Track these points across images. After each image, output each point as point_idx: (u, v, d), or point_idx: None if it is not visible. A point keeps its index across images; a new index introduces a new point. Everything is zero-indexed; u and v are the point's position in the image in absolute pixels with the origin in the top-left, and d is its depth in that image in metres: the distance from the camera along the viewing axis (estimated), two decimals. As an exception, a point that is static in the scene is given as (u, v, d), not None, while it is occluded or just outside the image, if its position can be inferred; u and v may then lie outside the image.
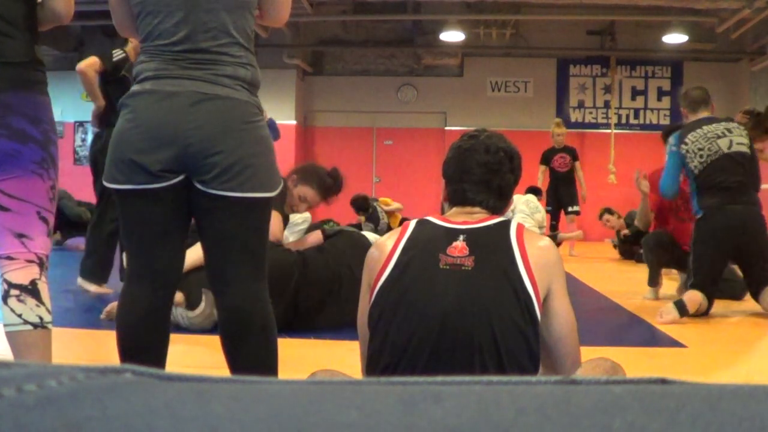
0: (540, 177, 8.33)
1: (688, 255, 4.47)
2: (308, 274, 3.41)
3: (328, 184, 3.64)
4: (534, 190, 7.88)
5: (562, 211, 8.34)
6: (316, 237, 3.76)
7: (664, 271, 4.89)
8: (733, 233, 3.95)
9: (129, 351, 1.78)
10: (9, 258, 1.84)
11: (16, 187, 1.83)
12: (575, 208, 8.27)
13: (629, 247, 7.67)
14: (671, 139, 4.24)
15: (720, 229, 3.96)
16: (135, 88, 1.76)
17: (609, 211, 8.24)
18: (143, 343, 1.79)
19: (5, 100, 1.79)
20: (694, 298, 3.87)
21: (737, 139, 4.05)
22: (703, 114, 4.21)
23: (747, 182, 4.02)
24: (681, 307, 3.80)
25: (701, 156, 4.03)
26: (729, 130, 4.08)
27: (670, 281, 4.85)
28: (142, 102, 1.72)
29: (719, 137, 4.04)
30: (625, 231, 7.83)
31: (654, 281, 4.76)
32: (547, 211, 8.25)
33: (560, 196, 8.26)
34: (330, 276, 3.46)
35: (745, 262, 4.05)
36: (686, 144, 4.09)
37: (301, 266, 3.42)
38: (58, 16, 1.95)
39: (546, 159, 8.38)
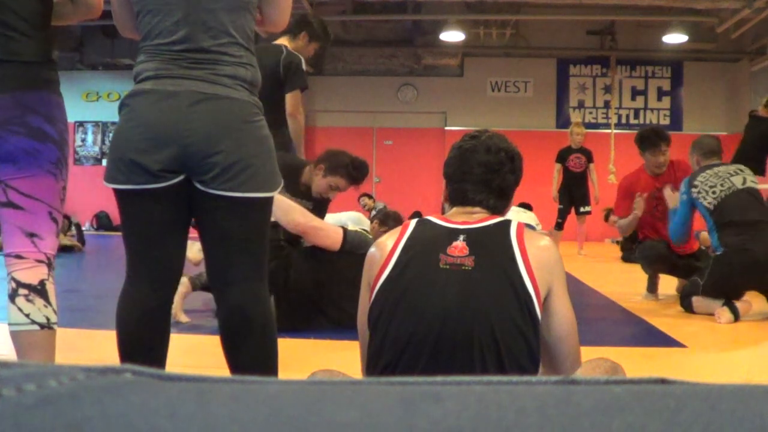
0: (555, 175, 8.35)
1: (680, 258, 4.48)
2: (289, 275, 3.41)
3: (355, 176, 3.80)
4: (524, 207, 7.87)
5: (572, 211, 8.36)
6: (335, 239, 3.51)
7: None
8: (753, 275, 3.88)
9: (129, 351, 1.78)
10: (18, 257, 1.84)
11: (31, 186, 1.83)
12: (587, 209, 8.33)
13: (631, 246, 7.68)
14: (682, 187, 4.19)
15: (739, 271, 3.90)
16: (135, 88, 1.76)
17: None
18: (143, 343, 1.78)
19: (22, 100, 1.78)
20: (746, 306, 3.89)
21: (750, 177, 4.08)
22: (715, 160, 4.25)
23: (765, 219, 3.95)
24: (734, 311, 3.82)
25: (714, 192, 4.02)
26: (741, 170, 4.12)
27: (672, 280, 4.85)
28: (142, 102, 1.72)
29: (732, 175, 4.07)
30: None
31: (653, 288, 4.79)
32: (559, 209, 8.29)
33: (573, 196, 8.30)
34: (312, 281, 3.45)
35: (763, 291, 4.00)
36: (696, 186, 4.08)
37: (283, 267, 3.41)
38: (92, 8, 1.95)
39: (561, 158, 8.40)
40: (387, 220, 4.36)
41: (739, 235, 3.90)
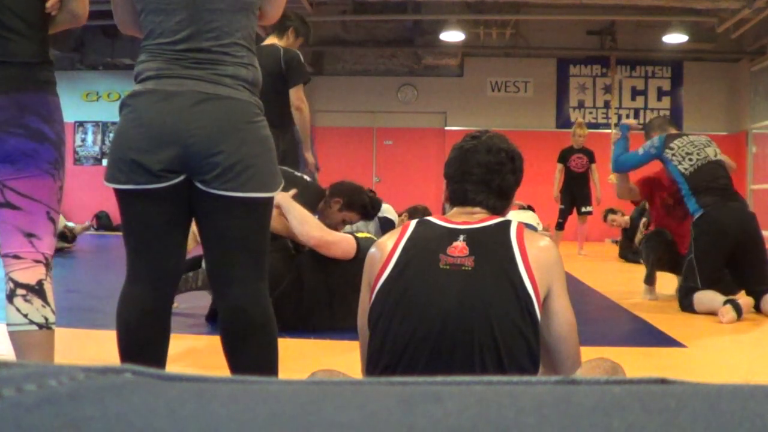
0: (557, 175, 8.35)
1: (683, 258, 4.50)
2: (304, 281, 3.41)
3: (371, 214, 3.91)
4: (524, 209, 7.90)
5: (574, 211, 8.36)
6: (347, 250, 3.40)
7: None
8: (733, 231, 4.07)
9: (129, 351, 1.78)
10: (16, 257, 1.84)
11: (29, 187, 1.83)
12: (588, 209, 8.34)
13: (630, 244, 7.69)
14: (655, 141, 4.50)
15: (722, 226, 4.08)
16: (136, 87, 1.76)
17: (613, 211, 8.29)
18: (143, 343, 1.78)
19: (21, 100, 1.79)
20: (748, 302, 3.94)
21: (718, 150, 4.44)
22: (673, 131, 4.63)
23: (732, 186, 4.31)
24: (737, 308, 3.84)
25: (691, 159, 4.30)
26: (710, 142, 4.46)
27: (671, 281, 4.84)
28: (144, 101, 1.72)
29: (706, 146, 4.38)
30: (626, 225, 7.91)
31: (651, 279, 4.81)
32: (560, 210, 8.29)
33: (574, 196, 8.30)
34: (326, 286, 3.43)
35: (741, 263, 4.12)
36: (671, 149, 4.37)
37: (298, 275, 3.40)
38: (77, 17, 1.96)
39: (563, 158, 8.39)
40: (416, 214, 4.51)
41: (714, 195, 4.19)
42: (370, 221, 3.98)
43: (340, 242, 3.39)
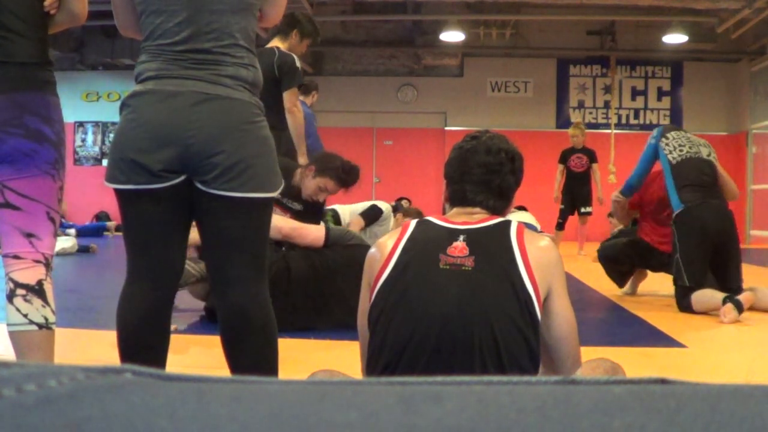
0: (558, 176, 8.34)
1: (665, 256, 4.52)
2: (290, 274, 3.42)
3: (344, 179, 3.85)
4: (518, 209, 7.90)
5: (575, 212, 8.36)
6: (317, 236, 3.63)
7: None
8: (713, 228, 4.13)
9: (129, 351, 1.78)
10: (16, 257, 1.84)
11: (29, 187, 1.83)
12: (588, 209, 8.31)
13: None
14: (654, 131, 4.57)
15: (703, 223, 4.13)
16: (136, 88, 1.76)
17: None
18: (143, 343, 1.78)
19: (20, 101, 1.79)
20: (748, 297, 3.94)
21: (714, 154, 4.48)
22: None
23: (717, 185, 4.35)
24: (738, 305, 3.84)
25: (681, 150, 4.37)
26: (708, 145, 4.53)
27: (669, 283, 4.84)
28: (144, 102, 1.72)
29: (701, 145, 4.45)
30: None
31: (620, 284, 4.90)
32: (560, 210, 8.30)
33: (575, 196, 8.28)
34: (313, 277, 3.46)
35: (720, 260, 4.17)
36: (667, 138, 4.44)
37: (285, 267, 3.42)
38: (76, 17, 1.96)
39: (563, 158, 8.39)
40: (410, 213, 4.62)
41: (696, 192, 4.24)
42: (347, 189, 3.94)
43: (307, 227, 3.59)
